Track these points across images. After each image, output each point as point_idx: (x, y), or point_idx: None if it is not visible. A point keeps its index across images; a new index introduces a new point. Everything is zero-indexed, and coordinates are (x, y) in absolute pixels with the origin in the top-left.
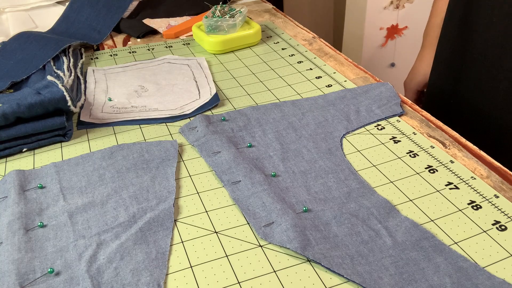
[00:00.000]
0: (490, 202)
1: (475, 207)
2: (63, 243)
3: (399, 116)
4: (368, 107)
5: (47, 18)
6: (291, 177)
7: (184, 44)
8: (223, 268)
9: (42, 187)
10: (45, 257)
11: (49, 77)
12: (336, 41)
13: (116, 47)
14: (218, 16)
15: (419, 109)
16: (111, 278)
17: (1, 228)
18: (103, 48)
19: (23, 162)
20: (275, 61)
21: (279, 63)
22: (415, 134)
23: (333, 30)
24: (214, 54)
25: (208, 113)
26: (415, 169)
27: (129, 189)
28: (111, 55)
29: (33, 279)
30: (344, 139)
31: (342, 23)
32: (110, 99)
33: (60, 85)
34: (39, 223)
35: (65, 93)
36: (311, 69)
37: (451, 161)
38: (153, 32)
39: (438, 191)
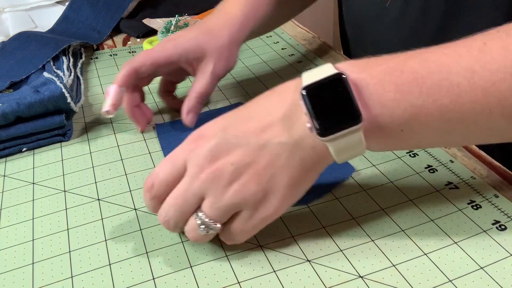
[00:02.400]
0: (490, 201)
1: (475, 207)
2: None
3: None
4: None
5: (47, 18)
6: None
7: None
8: (223, 268)
9: None
10: None
11: (46, 74)
12: (336, 41)
13: (116, 47)
14: (174, 31)
15: None
16: None
17: None
18: (103, 48)
19: (23, 162)
20: (274, 60)
21: (279, 63)
22: None
23: (333, 30)
24: None
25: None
26: (415, 169)
27: None
28: (111, 55)
29: None
30: None
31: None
32: None
33: (58, 82)
34: None
35: (64, 90)
36: (310, 68)
37: (451, 161)
38: (153, 32)
39: (438, 190)
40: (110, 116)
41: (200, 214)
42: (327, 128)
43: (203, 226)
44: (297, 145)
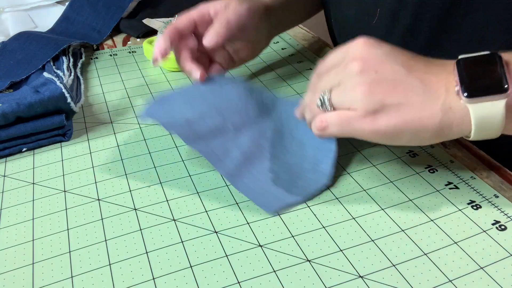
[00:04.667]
0: (490, 202)
1: (475, 207)
2: None
3: None
4: None
5: (47, 18)
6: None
7: None
8: (223, 268)
9: None
10: None
11: (46, 74)
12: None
13: (116, 47)
14: None
15: None
16: None
17: None
18: (103, 48)
19: (23, 162)
20: (275, 61)
21: (279, 63)
22: None
23: None
24: (170, 71)
25: None
26: (415, 169)
27: None
28: (111, 55)
29: None
30: (343, 139)
31: None
32: None
33: (58, 82)
34: None
35: (64, 90)
36: (311, 69)
37: (451, 161)
38: (153, 32)
39: (438, 191)
40: (158, 64)
41: (326, 93)
42: (474, 91)
43: (322, 100)
44: (442, 105)
